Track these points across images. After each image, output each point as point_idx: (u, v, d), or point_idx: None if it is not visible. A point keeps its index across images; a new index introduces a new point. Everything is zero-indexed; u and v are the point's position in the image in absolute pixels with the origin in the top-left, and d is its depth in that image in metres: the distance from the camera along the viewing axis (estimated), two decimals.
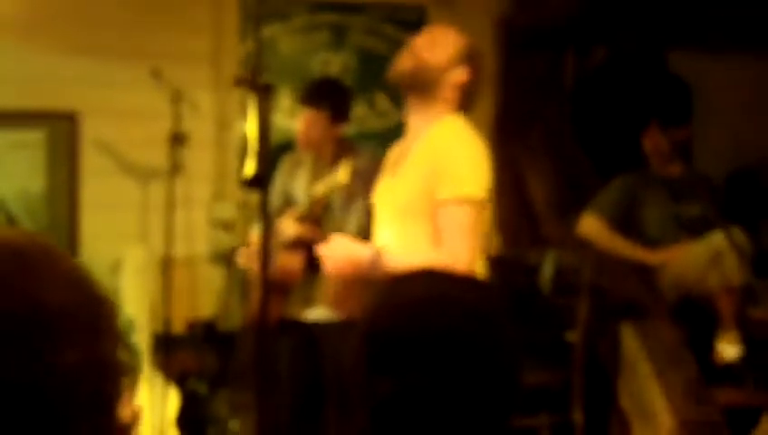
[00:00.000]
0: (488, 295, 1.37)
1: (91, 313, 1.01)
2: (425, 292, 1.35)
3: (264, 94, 2.58)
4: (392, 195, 2.88)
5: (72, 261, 1.03)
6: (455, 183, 2.71)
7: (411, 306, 1.33)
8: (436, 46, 2.85)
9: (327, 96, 3.90)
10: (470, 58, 2.88)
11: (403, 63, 2.86)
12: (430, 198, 2.73)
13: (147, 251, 4.91)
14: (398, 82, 2.90)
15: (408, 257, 2.66)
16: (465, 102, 2.89)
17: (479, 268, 2.80)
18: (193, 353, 4.91)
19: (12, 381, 0.94)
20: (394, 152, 2.99)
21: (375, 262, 2.70)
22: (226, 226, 5.02)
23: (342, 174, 3.35)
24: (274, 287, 3.41)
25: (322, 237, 3.67)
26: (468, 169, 2.75)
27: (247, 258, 3.82)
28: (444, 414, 1.28)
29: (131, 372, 4.21)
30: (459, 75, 2.85)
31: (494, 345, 1.32)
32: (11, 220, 4.95)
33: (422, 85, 2.83)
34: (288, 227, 3.69)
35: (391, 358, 1.30)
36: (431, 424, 1.28)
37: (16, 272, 0.97)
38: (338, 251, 2.82)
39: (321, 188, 3.54)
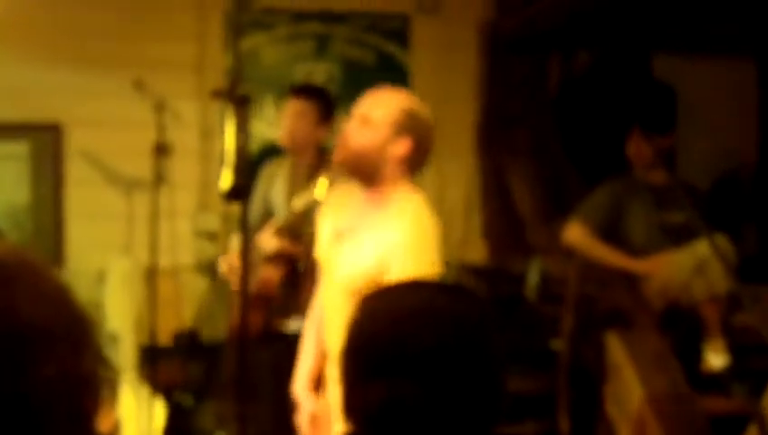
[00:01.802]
0: (474, 304, 1.39)
1: (70, 327, 1.02)
2: (414, 301, 1.37)
3: (242, 106, 2.58)
4: (340, 265, 2.77)
5: (53, 276, 1.05)
6: (404, 268, 2.59)
7: (401, 315, 1.35)
8: (369, 126, 2.73)
9: (318, 93, 3.97)
10: (411, 126, 2.73)
11: (339, 155, 2.77)
12: (379, 279, 2.59)
13: (132, 261, 4.90)
14: (343, 172, 2.82)
15: None
16: (414, 168, 2.77)
17: None
18: (178, 365, 4.90)
19: None
20: (340, 211, 2.88)
21: None
22: (211, 236, 5.01)
23: (320, 190, 3.34)
24: (255, 299, 3.41)
25: (301, 251, 3.67)
26: (417, 254, 2.64)
27: (228, 267, 3.81)
28: (433, 420, 1.30)
29: (110, 386, 4.20)
30: (400, 149, 2.71)
31: (480, 353, 1.34)
32: None
33: (365, 170, 2.73)
34: (268, 241, 3.69)
35: (382, 365, 1.32)
36: (421, 430, 1.30)
37: None
38: None
39: (299, 203, 3.54)
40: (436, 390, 1.30)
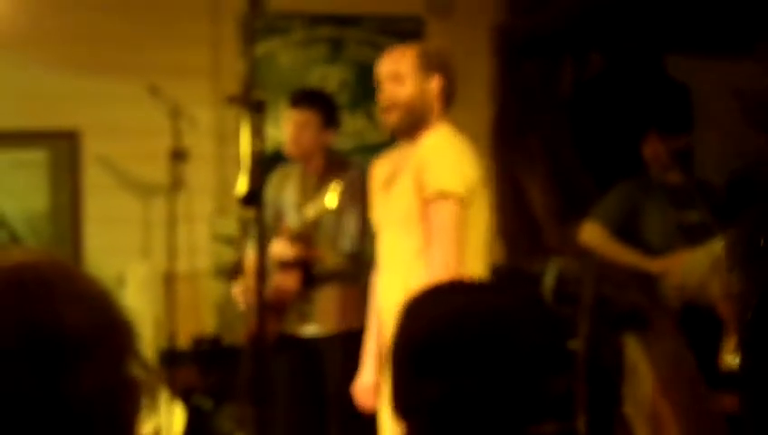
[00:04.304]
0: (518, 302, 1.45)
1: (112, 333, 1.02)
2: (460, 300, 1.42)
3: (257, 111, 2.60)
4: (388, 210, 2.94)
5: (93, 281, 1.04)
6: (435, 179, 2.82)
7: (448, 314, 1.39)
8: (401, 80, 2.95)
9: (319, 99, 3.92)
10: (434, 63, 2.98)
11: (391, 118, 2.97)
12: (422, 203, 2.84)
13: (150, 267, 4.93)
14: (399, 135, 3.02)
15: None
16: (448, 101, 3.01)
17: (476, 263, 2.85)
18: (197, 369, 4.91)
19: (33, 400, 0.94)
20: (383, 168, 3.05)
21: None
22: (229, 240, 5.03)
23: (331, 198, 3.35)
24: (271, 306, 3.43)
25: (315, 255, 3.69)
26: (447, 165, 2.86)
27: (242, 292, 3.75)
28: (488, 414, 1.35)
29: (150, 391, 4.20)
30: (435, 87, 2.96)
31: (525, 349, 1.38)
32: (14, 239, 4.96)
33: (414, 121, 2.96)
34: (284, 250, 3.66)
35: (433, 364, 1.36)
36: (478, 425, 1.34)
37: (38, 293, 0.98)
38: None
39: (311, 211, 3.54)
40: (488, 386, 1.34)
